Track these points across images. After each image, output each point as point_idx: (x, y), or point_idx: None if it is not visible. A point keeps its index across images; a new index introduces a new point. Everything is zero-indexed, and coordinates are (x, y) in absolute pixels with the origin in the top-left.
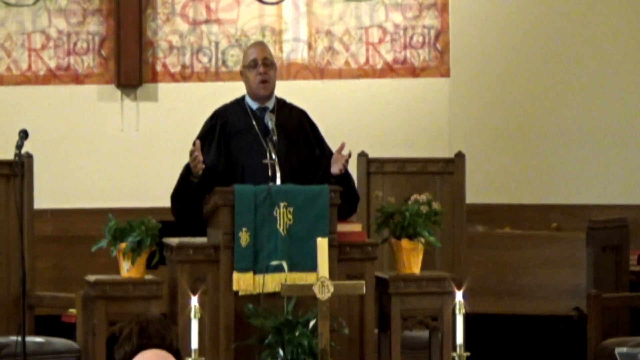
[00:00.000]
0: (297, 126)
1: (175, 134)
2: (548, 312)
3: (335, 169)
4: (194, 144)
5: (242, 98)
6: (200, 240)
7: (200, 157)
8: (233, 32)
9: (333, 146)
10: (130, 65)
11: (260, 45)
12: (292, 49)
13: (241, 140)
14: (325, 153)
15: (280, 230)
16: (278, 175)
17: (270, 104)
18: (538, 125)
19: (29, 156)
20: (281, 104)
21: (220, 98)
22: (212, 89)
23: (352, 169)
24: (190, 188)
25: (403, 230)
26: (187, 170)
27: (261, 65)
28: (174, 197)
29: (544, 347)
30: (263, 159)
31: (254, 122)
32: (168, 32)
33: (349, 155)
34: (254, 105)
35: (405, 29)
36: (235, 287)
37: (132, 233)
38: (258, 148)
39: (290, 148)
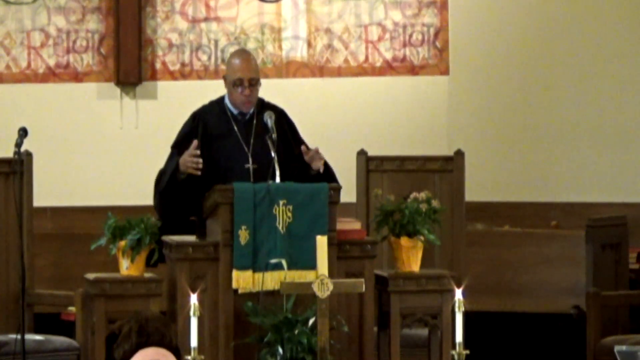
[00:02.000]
0: (276, 126)
1: (175, 132)
2: (547, 310)
3: (316, 165)
4: (175, 145)
5: (222, 99)
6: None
7: (200, 162)
8: (232, 30)
9: (330, 145)
10: (130, 63)
11: (246, 60)
12: (291, 47)
13: (222, 144)
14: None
15: (280, 228)
16: (277, 173)
17: (251, 110)
18: (537, 123)
19: (29, 154)
20: (260, 104)
21: (219, 96)
22: (211, 87)
23: (352, 167)
24: (176, 184)
25: (402, 228)
26: (176, 167)
27: (247, 87)
28: (162, 192)
29: (543, 345)
30: (245, 164)
31: (235, 126)
32: (167, 30)
33: (318, 152)
34: (234, 109)
35: (404, 27)
36: (234, 285)
37: (131, 231)
38: (239, 152)
39: (270, 149)
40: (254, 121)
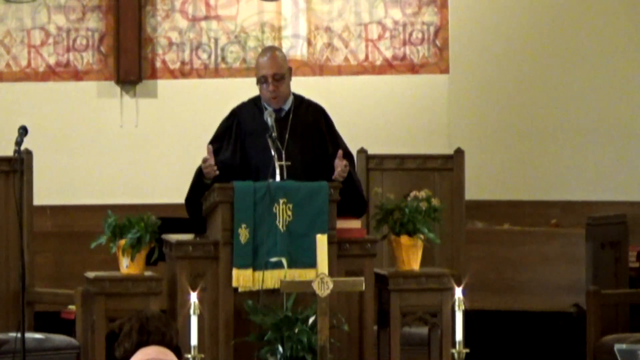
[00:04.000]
0: (312, 124)
1: (175, 131)
2: (547, 309)
3: (335, 174)
4: (212, 141)
5: (259, 97)
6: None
7: (213, 163)
8: (232, 29)
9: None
10: (130, 62)
11: (271, 57)
12: (291, 45)
13: (255, 141)
14: (340, 148)
15: (280, 226)
16: (277, 172)
17: (287, 106)
18: (537, 122)
19: (29, 152)
20: (299, 101)
21: (219, 94)
22: (211, 86)
23: None
24: (204, 189)
25: (402, 226)
26: (200, 173)
27: (271, 83)
28: (188, 200)
29: (543, 344)
30: (278, 161)
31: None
32: (167, 28)
33: (346, 165)
34: (269, 106)
35: (404, 26)
36: (234, 284)
37: (131, 229)
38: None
39: (305, 147)
40: (290, 118)
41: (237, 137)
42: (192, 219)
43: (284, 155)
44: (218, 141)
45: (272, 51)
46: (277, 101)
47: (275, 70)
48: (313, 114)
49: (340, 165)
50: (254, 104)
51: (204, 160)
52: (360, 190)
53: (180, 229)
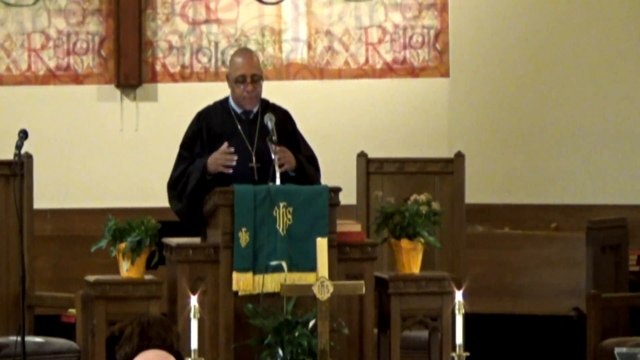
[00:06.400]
0: (280, 127)
1: (175, 134)
2: (547, 312)
3: (285, 167)
4: (183, 145)
5: (226, 100)
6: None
7: (235, 159)
8: (233, 32)
9: (331, 147)
10: (130, 66)
11: (249, 58)
12: (291, 49)
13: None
14: (301, 153)
15: (280, 230)
16: (278, 174)
17: (254, 108)
18: (537, 125)
19: (29, 156)
20: (265, 105)
21: (219, 98)
22: (211, 89)
23: (352, 169)
24: (203, 185)
25: (402, 230)
26: (203, 168)
27: (249, 83)
28: (191, 195)
29: (543, 347)
30: (249, 163)
31: (239, 126)
32: (168, 32)
33: (280, 149)
34: (238, 109)
35: (404, 29)
36: (234, 287)
37: (131, 233)
38: (243, 152)
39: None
40: (258, 120)
41: (209, 140)
42: (189, 220)
43: (254, 157)
44: (190, 146)
45: (250, 52)
46: (253, 102)
47: (254, 71)
48: (279, 118)
49: (277, 159)
50: (221, 106)
51: (223, 153)
52: (312, 181)
53: (181, 232)
